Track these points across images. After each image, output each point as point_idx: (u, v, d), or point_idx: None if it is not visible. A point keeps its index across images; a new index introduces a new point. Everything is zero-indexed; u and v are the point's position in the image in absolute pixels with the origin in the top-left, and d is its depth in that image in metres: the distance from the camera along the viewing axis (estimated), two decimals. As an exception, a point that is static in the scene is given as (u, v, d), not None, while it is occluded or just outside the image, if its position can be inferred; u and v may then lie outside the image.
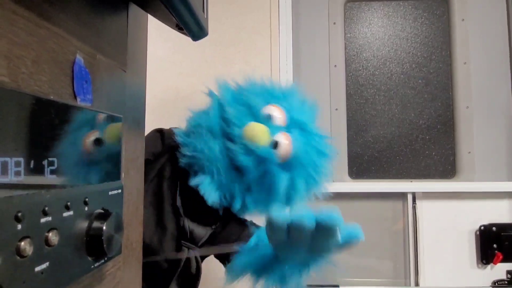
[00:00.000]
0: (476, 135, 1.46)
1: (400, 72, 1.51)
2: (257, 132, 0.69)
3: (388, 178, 1.49)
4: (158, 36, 1.31)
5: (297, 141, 0.71)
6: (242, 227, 0.80)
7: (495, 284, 1.38)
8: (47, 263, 0.25)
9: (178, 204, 0.75)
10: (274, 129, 0.71)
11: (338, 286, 1.35)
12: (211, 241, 0.79)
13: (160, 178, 0.76)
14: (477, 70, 1.47)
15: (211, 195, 0.69)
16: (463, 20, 1.48)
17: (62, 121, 0.28)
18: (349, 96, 1.51)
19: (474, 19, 1.48)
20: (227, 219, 0.81)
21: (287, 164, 0.70)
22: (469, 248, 1.41)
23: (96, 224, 0.30)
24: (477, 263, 1.40)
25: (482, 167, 1.44)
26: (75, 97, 0.32)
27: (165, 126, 0.86)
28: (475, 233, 1.41)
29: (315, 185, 0.74)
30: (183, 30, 0.39)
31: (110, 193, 0.34)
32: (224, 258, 0.79)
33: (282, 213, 0.53)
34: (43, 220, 0.24)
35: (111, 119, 0.35)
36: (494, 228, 1.37)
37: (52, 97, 0.28)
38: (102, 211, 0.32)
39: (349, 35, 1.54)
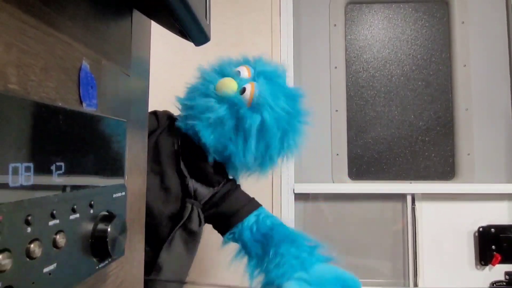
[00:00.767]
0: (476, 137, 1.46)
1: (400, 74, 1.52)
2: (225, 83, 0.82)
3: (388, 179, 1.49)
4: (160, 37, 1.31)
5: (261, 85, 0.82)
6: (247, 200, 0.86)
7: (493, 285, 1.38)
8: (55, 264, 0.26)
9: (182, 167, 0.83)
10: (241, 81, 0.83)
11: (337, 286, 1.36)
12: (212, 200, 0.85)
13: (157, 148, 0.84)
14: (476, 73, 1.48)
15: (209, 138, 0.79)
16: (463, 22, 1.49)
17: (69, 126, 0.29)
18: (349, 98, 1.52)
19: (474, 22, 1.49)
20: (233, 188, 0.88)
21: (255, 106, 0.80)
22: (467, 249, 1.42)
23: (101, 226, 0.31)
24: (476, 264, 1.41)
25: (481, 169, 1.45)
26: (81, 102, 0.33)
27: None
28: (474, 234, 1.41)
29: (288, 126, 0.83)
30: (185, 36, 0.40)
31: (114, 195, 0.35)
32: (222, 230, 0.85)
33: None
34: (51, 223, 0.25)
35: (116, 123, 0.36)
36: (492, 230, 1.38)
37: (59, 103, 0.29)
38: (107, 213, 0.33)
39: (349, 37, 1.54)
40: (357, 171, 1.51)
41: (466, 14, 1.49)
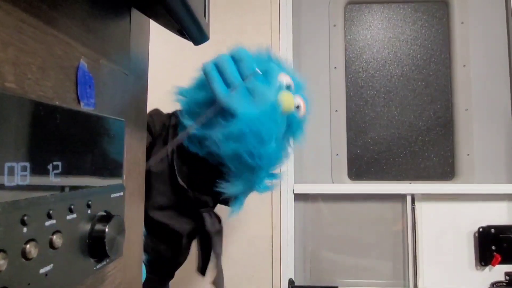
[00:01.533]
0: (475, 137, 1.46)
1: (400, 74, 1.52)
2: (288, 100, 0.75)
3: (388, 179, 1.49)
4: (159, 37, 1.31)
5: (306, 103, 0.82)
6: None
7: (493, 285, 1.38)
8: (51, 265, 0.25)
9: (180, 183, 0.79)
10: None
11: (337, 287, 1.36)
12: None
13: (148, 171, 0.80)
14: (476, 73, 1.48)
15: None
16: (462, 23, 1.49)
17: (66, 126, 0.28)
18: (349, 98, 1.52)
19: (473, 22, 1.49)
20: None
21: (302, 120, 0.81)
22: (467, 250, 1.42)
23: (98, 226, 0.31)
24: (476, 265, 1.41)
25: (481, 169, 1.45)
26: (78, 101, 0.32)
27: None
28: (474, 234, 1.41)
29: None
30: (184, 35, 0.40)
31: (112, 195, 0.35)
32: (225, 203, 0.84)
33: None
34: (47, 223, 0.25)
35: (114, 123, 0.36)
36: (492, 230, 1.38)
37: (56, 102, 0.29)
38: (105, 213, 0.33)
39: (349, 37, 1.54)
40: (356, 171, 1.51)
41: (466, 14, 1.49)
